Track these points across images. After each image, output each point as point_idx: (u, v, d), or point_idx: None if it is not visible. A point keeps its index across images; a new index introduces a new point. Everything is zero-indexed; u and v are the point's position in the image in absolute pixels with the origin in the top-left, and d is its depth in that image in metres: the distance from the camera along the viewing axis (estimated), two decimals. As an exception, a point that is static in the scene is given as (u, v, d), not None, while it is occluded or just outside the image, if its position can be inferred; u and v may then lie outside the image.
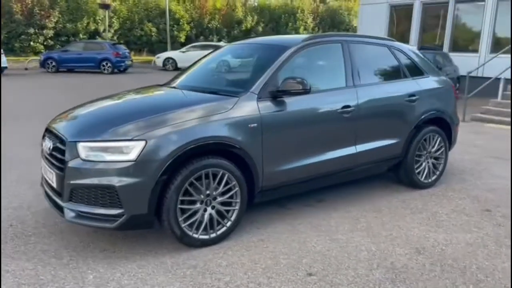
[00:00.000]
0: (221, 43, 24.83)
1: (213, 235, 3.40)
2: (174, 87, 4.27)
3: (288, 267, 3.11)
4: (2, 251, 3.29)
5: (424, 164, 4.81)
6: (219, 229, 3.45)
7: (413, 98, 4.60)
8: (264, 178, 3.61)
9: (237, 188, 3.45)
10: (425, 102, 4.71)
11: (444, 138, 4.95)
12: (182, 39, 34.02)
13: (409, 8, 15.82)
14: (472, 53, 13.94)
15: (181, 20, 33.78)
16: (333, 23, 39.85)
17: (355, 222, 3.93)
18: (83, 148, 3.15)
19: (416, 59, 4.92)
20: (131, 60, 21.21)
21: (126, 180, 3.06)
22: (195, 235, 3.32)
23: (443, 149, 4.96)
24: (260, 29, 36.93)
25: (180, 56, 22.81)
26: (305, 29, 38.47)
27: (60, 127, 3.52)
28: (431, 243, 3.53)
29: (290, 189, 3.91)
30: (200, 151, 3.26)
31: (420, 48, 11.35)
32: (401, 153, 4.60)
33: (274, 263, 3.16)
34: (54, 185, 3.34)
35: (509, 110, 9.18)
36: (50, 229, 3.71)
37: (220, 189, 3.38)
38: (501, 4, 13.37)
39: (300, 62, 3.96)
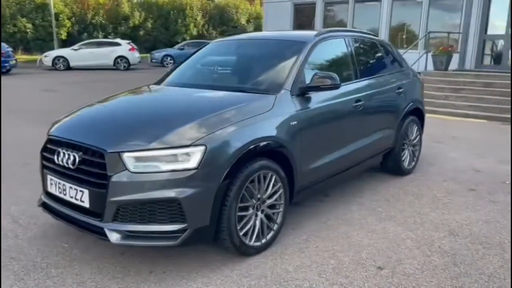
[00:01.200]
0: (118, 40, 23.53)
1: (263, 240, 3.23)
2: (183, 86, 3.95)
3: (354, 264, 3.09)
4: (30, 289, 2.74)
5: (406, 152, 5.12)
6: (268, 234, 3.28)
7: (400, 90, 4.87)
8: (301, 177, 3.53)
9: (281, 190, 3.32)
10: (407, 94, 5.01)
11: (419, 127, 5.33)
12: (63, 36, 31.43)
13: (312, 6, 16.61)
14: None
15: (61, 16, 31.15)
16: (222, 21, 40.14)
17: (376, 212, 4.04)
18: (130, 159, 2.75)
19: (395, 52, 5.21)
20: (16, 60, 18.97)
21: (190, 191, 2.75)
22: (250, 243, 3.12)
23: (419, 136, 5.34)
24: (149, 25, 35.72)
25: (72, 54, 21.03)
26: (195, 26, 38.15)
27: (82, 135, 3.04)
28: (455, 224, 3.78)
29: (317, 186, 3.87)
30: (253, 153, 3.06)
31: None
32: (392, 143, 4.84)
33: (338, 262, 3.11)
34: (85, 204, 2.87)
35: (432, 100, 10.11)
36: (65, 256, 3.18)
37: (269, 191, 3.22)
38: (395, 3, 14.75)
39: (316, 58, 3.92)
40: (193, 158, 2.76)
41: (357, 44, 4.47)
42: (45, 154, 3.22)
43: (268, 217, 3.26)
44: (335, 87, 3.59)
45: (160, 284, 2.83)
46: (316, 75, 3.56)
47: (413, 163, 5.26)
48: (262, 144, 3.10)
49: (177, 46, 26.68)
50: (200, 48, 4.63)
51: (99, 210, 2.83)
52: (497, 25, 12.95)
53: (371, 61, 4.73)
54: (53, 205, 3.16)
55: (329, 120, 3.80)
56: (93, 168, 2.84)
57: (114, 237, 2.80)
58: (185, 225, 2.77)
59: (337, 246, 3.36)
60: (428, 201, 4.33)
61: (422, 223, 3.79)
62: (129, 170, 2.73)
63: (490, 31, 12.98)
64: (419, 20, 14.33)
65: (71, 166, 2.92)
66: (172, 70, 4.47)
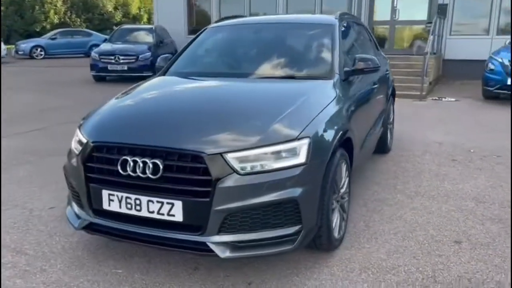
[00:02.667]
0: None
1: (341, 232, 3.11)
2: (213, 76, 3.56)
3: (433, 242, 3.15)
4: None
5: (388, 131, 5.37)
6: (343, 225, 3.17)
7: (387, 72, 5.06)
8: (354, 163, 3.46)
9: (348, 177, 3.22)
10: (389, 76, 5.24)
11: (394, 108, 5.62)
12: None
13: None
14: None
15: None
16: (86, 7, 37.11)
17: (399, 190, 4.17)
18: (235, 160, 2.39)
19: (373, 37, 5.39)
20: None
21: (303, 188, 2.50)
22: (336, 236, 2.98)
23: (393, 116, 5.63)
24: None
25: None
26: (56, 13, 34.64)
27: (155, 138, 2.56)
28: (472, 193, 4.10)
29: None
30: (340, 143, 2.91)
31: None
32: (384, 123, 5.02)
33: (417, 242, 3.14)
34: (177, 218, 2.43)
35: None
36: (131, 284, 2.66)
37: (342, 181, 3.10)
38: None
39: (342, 41, 3.85)
40: (302, 152, 2.51)
41: (358, 28, 4.51)
42: (93, 165, 2.62)
43: (342, 207, 3.14)
44: (376, 69, 3.57)
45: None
46: (358, 58, 3.49)
47: (392, 141, 5.54)
48: (343, 131, 2.96)
49: (47, 35, 23.91)
50: (198, 36, 4.20)
51: (198, 223, 2.42)
52: (382, 12, 14.23)
53: (369, 44, 4.82)
54: (112, 225, 2.61)
55: (365, 103, 3.78)
56: (187, 174, 2.40)
57: (223, 251, 2.42)
58: (300, 226, 2.52)
59: (399, 227, 3.39)
60: (432, 176, 4.59)
61: (447, 195, 4.02)
62: (237, 173, 2.37)
63: (376, 18, 14.23)
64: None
65: (151, 176, 2.43)
66: (173, 61, 3.98)
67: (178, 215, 2.43)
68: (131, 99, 3.20)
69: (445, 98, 9.89)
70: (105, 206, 2.60)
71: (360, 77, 3.73)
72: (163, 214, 2.45)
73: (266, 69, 3.58)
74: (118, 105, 3.10)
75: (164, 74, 3.83)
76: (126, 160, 2.49)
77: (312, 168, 2.54)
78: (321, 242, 2.82)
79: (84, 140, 2.72)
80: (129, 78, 12.33)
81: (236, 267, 2.79)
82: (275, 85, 3.30)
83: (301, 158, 2.49)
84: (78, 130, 2.90)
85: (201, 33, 4.24)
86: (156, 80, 3.70)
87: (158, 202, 2.45)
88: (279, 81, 3.33)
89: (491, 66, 9.31)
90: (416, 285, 2.63)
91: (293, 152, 2.48)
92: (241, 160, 2.39)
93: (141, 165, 2.45)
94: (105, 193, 2.58)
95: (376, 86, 4.32)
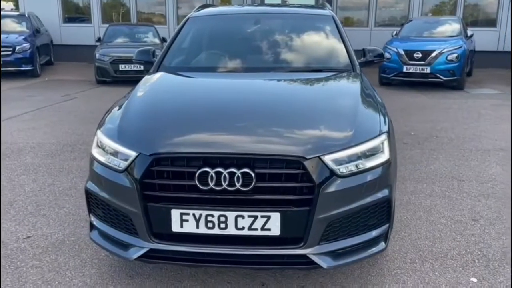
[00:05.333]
0: None
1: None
2: (234, 72, 3.27)
3: (458, 223, 3.35)
4: None
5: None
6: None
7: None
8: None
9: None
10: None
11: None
12: None
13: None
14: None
15: None
16: None
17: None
18: (334, 162, 2.22)
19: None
20: None
21: (391, 185, 2.44)
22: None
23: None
24: None
25: None
26: None
27: (240, 145, 2.25)
28: (446, 172, 4.46)
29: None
30: None
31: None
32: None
33: (449, 228, 3.31)
34: (273, 232, 2.17)
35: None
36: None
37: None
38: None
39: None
40: (385, 148, 2.42)
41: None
42: (155, 181, 2.20)
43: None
44: (382, 60, 3.64)
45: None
46: (369, 50, 3.52)
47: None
48: (389, 120, 2.95)
49: None
50: (184, 24, 3.76)
51: (297, 234, 2.20)
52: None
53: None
54: (185, 249, 2.24)
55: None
56: (284, 182, 2.16)
57: (325, 261, 2.23)
58: (388, 224, 2.45)
59: (416, 212, 3.53)
60: (399, 158, 4.87)
61: (428, 177, 4.32)
62: (337, 176, 2.21)
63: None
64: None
65: (241, 188, 2.12)
66: (162, 57, 3.52)
67: (274, 228, 2.16)
68: (166, 100, 2.77)
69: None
70: (175, 228, 2.20)
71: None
72: (255, 229, 2.16)
73: (287, 62, 3.38)
74: (158, 108, 2.65)
75: (165, 70, 3.35)
76: (207, 173, 2.13)
77: (393, 163, 2.48)
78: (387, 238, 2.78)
79: (132, 153, 2.26)
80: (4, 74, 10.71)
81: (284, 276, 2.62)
82: (310, 79, 3.14)
83: (386, 154, 2.41)
84: (108, 141, 2.40)
85: (186, 22, 3.81)
86: (170, 78, 3.25)
87: (250, 216, 2.15)
88: (308, 74, 3.18)
89: (387, 55, 10.19)
90: (477, 265, 2.76)
91: (380, 149, 2.39)
92: (338, 162, 2.22)
93: (227, 176, 2.12)
94: (175, 213, 2.18)
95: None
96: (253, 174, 2.11)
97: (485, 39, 13.14)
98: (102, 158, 2.40)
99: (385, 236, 2.42)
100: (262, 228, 2.16)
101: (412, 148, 5.29)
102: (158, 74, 3.26)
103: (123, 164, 2.27)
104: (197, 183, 2.13)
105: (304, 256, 2.21)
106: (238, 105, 2.68)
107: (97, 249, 2.82)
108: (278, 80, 3.13)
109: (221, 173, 2.11)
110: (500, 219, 3.40)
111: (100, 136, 2.47)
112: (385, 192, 2.35)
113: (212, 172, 2.12)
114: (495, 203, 3.70)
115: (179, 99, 2.80)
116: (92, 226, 2.56)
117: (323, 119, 2.47)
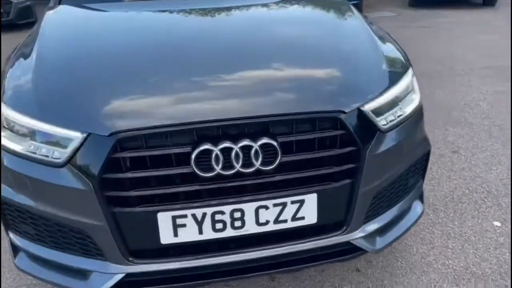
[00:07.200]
0: None
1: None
2: None
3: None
4: None
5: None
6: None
7: None
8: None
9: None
10: None
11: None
12: None
13: None
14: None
15: None
16: None
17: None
18: (375, 113, 1.61)
19: None
20: None
21: (426, 134, 1.93)
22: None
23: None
24: None
25: None
26: None
27: (248, 106, 1.50)
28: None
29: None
30: None
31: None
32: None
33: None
34: (308, 220, 1.54)
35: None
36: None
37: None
38: None
39: None
40: (416, 88, 1.86)
41: None
42: (122, 176, 1.40)
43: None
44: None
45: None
46: None
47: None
48: None
49: None
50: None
51: (337, 218, 1.60)
52: None
53: None
54: (180, 266, 1.52)
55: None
56: (319, 151, 1.50)
57: (373, 244, 1.71)
58: (422, 181, 1.95)
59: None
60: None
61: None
62: (381, 131, 1.61)
63: None
64: None
65: (262, 168, 1.43)
66: None
67: (309, 215, 1.53)
68: (105, 47, 1.83)
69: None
70: (167, 238, 1.46)
71: None
72: (284, 221, 1.52)
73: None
74: (97, 60, 1.72)
75: (68, 3, 2.34)
76: (208, 152, 1.39)
77: (422, 105, 1.94)
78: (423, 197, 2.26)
79: (75, 134, 1.41)
80: None
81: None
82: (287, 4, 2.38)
83: (417, 93, 1.86)
84: (26, 118, 1.49)
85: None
86: (91, 15, 2.24)
87: (276, 205, 1.48)
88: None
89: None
90: (489, 205, 2.47)
91: (411, 89, 1.82)
92: (378, 112, 1.61)
93: (240, 153, 1.40)
94: (164, 217, 1.43)
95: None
96: (276, 145, 1.41)
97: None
98: (18, 147, 1.49)
99: (421, 196, 1.94)
100: (294, 218, 1.52)
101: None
102: (67, 9, 2.26)
103: (61, 154, 1.42)
104: (195, 169, 1.38)
105: (347, 243, 1.63)
106: (216, 43, 1.87)
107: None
108: (246, 7, 2.32)
109: (230, 149, 1.39)
110: (477, 146, 3.16)
111: (8, 112, 1.53)
112: (425, 142, 1.85)
113: (216, 150, 1.38)
114: (461, 129, 3.47)
115: (124, 43, 1.88)
116: (15, 250, 1.67)
117: (339, 56, 1.81)
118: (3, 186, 1.55)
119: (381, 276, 1.97)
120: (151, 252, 1.50)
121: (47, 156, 1.44)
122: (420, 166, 1.86)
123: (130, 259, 1.48)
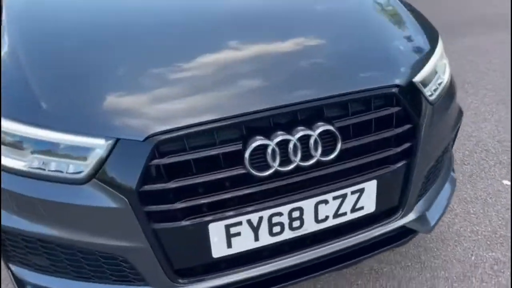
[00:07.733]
0: None
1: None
2: None
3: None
4: None
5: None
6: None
7: None
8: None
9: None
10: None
11: None
12: None
13: None
14: None
15: None
16: None
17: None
18: (423, 84, 1.47)
19: None
20: None
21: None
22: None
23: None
24: None
25: None
26: None
27: (288, 88, 1.30)
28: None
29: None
30: None
31: None
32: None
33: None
34: (367, 209, 1.40)
35: None
36: None
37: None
38: None
39: None
40: (443, 52, 1.75)
41: None
42: (174, 185, 1.16)
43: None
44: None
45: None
46: None
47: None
48: None
49: None
50: None
51: (394, 203, 1.47)
52: None
53: None
54: (237, 278, 1.33)
55: None
56: (377, 133, 1.34)
57: (426, 225, 1.62)
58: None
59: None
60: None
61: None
62: (429, 103, 1.48)
63: None
64: None
65: (322, 159, 1.25)
66: None
67: (368, 204, 1.39)
68: (108, 29, 1.49)
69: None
70: (219, 251, 1.25)
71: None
72: (343, 215, 1.36)
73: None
74: (105, 48, 1.39)
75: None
76: (263, 147, 1.18)
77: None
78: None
79: (99, 142, 1.15)
80: None
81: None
82: None
83: (446, 59, 1.74)
84: (30, 128, 1.19)
85: None
86: None
87: (336, 198, 1.32)
88: None
89: None
90: (491, 164, 2.47)
91: (444, 56, 1.70)
92: (425, 83, 1.48)
93: (298, 145, 1.21)
94: (217, 228, 1.22)
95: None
96: (336, 131, 1.23)
97: None
98: (19, 163, 1.19)
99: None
100: (353, 209, 1.36)
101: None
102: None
103: (80, 167, 1.14)
104: (250, 168, 1.17)
105: (401, 227, 1.51)
106: (251, 16, 1.59)
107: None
108: None
109: (287, 141, 1.18)
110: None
111: (5, 123, 1.21)
112: (459, 110, 1.75)
113: (273, 144, 1.17)
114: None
115: (139, 20, 1.54)
116: (21, 285, 1.38)
117: (379, 27, 1.64)
118: (3, 212, 1.24)
119: (417, 253, 1.89)
120: (200, 268, 1.29)
121: (60, 172, 1.16)
122: (454, 137, 1.77)
123: (178, 279, 1.26)
